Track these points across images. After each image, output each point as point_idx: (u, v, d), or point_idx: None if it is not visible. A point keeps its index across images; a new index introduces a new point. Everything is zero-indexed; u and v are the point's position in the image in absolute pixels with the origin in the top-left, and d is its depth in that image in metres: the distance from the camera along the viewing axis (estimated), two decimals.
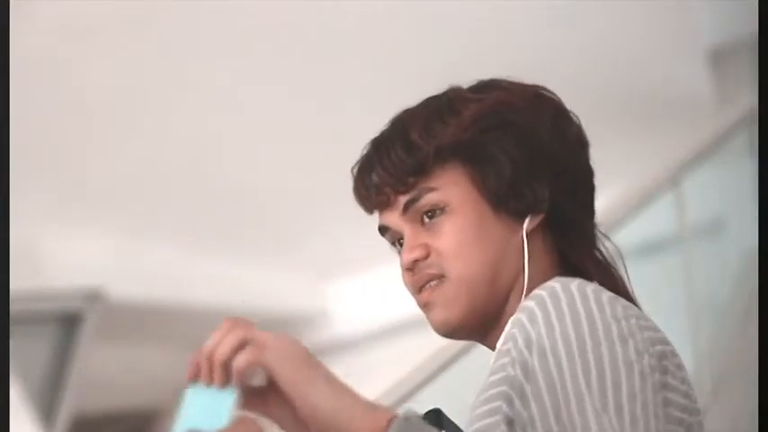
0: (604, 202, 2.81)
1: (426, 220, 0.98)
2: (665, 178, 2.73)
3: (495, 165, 0.97)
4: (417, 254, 0.98)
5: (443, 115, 1.00)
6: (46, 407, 4.09)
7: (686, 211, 2.85)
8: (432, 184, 0.97)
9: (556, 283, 0.90)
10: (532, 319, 0.88)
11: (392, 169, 1.00)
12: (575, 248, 0.99)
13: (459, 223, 0.97)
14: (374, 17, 3.23)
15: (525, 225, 0.97)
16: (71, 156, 3.85)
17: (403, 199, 0.99)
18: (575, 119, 1.04)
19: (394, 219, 1.01)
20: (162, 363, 5.51)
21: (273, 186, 4.20)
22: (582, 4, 3.22)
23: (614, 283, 0.98)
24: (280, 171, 4.10)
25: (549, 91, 1.03)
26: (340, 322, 5.17)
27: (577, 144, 1.05)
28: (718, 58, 3.72)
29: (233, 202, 4.29)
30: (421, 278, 1.00)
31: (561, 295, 0.89)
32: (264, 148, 3.92)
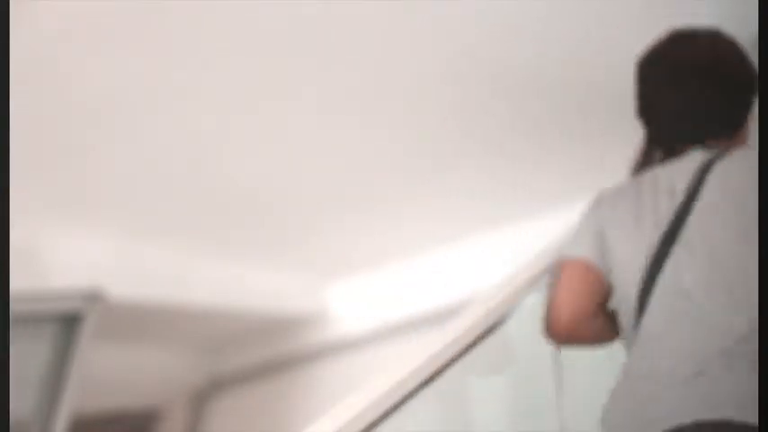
0: None
1: None
2: None
3: None
4: None
5: None
6: (46, 407, 4.09)
7: None
8: None
9: None
10: None
11: None
12: None
13: None
14: (372, 19, 3.23)
15: None
16: (71, 156, 3.85)
17: None
18: None
19: None
20: (162, 363, 5.51)
21: (273, 186, 4.21)
22: (581, 4, 3.22)
23: None
24: (280, 171, 4.10)
25: None
26: (340, 322, 5.17)
27: None
28: None
29: (233, 202, 4.29)
30: None
31: None
32: (265, 148, 3.92)
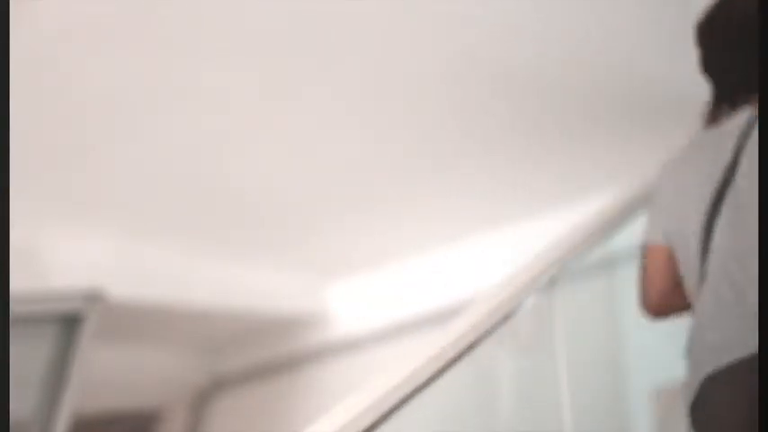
0: (602, 203, 2.81)
1: None
2: None
3: None
4: None
5: None
6: (46, 407, 4.09)
7: None
8: None
9: None
10: None
11: None
12: None
13: None
14: (372, 18, 3.23)
15: None
16: (71, 156, 3.85)
17: None
18: None
19: None
20: (162, 363, 5.51)
21: (273, 186, 4.21)
22: (581, 4, 3.22)
23: None
24: (280, 171, 4.10)
25: None
26: (340, 322, 5.17)
27: None
28: None
29: (233, 202, 4.29)
30: None
31: None
32: (265, 148, 3.92)
